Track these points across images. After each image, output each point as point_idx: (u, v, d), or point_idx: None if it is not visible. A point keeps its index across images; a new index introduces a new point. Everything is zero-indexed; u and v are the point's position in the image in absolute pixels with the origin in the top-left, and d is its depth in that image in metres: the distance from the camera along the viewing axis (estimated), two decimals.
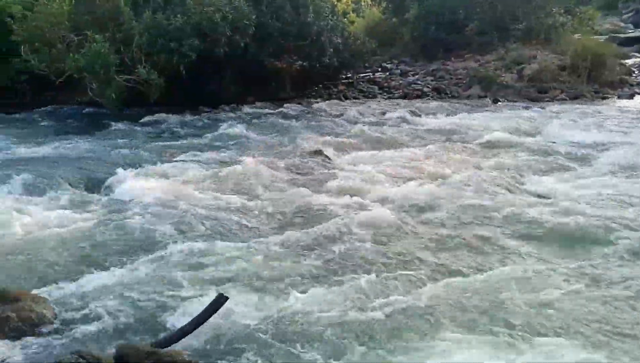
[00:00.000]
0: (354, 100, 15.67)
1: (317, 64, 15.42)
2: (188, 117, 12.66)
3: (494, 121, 11.54)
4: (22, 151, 9.31)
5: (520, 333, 3.56)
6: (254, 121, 12.21)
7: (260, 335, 3.60)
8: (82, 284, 4.16)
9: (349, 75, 18.00)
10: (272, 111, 13.51)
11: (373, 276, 4.38)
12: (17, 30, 12.83)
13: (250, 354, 3.42)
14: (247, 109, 13.96)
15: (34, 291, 4.01)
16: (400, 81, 17.72)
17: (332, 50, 15.07)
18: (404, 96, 15.95)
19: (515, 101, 14.83)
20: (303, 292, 4.13)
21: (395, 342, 3.52)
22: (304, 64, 15.96)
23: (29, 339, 3.54)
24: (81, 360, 2.86)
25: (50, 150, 9.45)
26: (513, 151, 8.99)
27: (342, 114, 12.85)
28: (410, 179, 7.24)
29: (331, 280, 4.36)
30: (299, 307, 3.89)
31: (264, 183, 7.10)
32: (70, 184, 7.12)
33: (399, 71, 19.20)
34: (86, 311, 3.83)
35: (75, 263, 4.67)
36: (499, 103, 14.74)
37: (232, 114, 13.35)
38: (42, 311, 3.72)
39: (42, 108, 14.72)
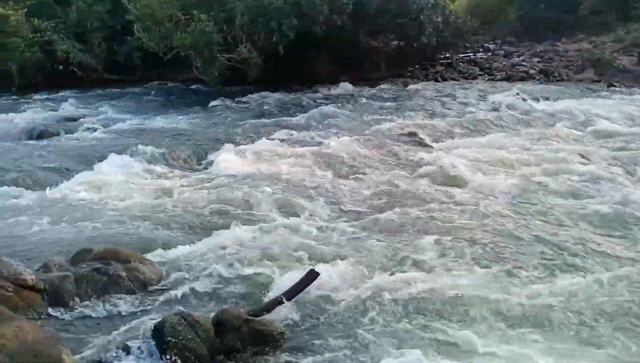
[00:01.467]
0: (453, 81, 15.08)
1: (414, 43, 15.01)
2: (283, 96, 12.89)
3: (608, 108, 10.57)
4: (134, 123, 10.05)
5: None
6: (348, 100, 12.17)
7: (349, 312, 3.59)
8: (186, 250, 4.40)
9: (448, 55, 17.34)
10: (366, 91, 13.38)
11: (468, 265, 4.21)
12: (131, 10, 13.74)
13: (337, 330, 3.43)
14: (341, 88, 13.94)
15: (143, 254, 4.28)
16: (504, 62, 16.77)
17: (431, 29, 14.57)
18: (507, 78, 15.09)
19: (633, 87, 13.49)
20: (392, 275, 4.06)
21: (491, 330, 3.36)
22: (401, 43, 15.60)
23: (137, 297, 3.80)
24: (183, 321, 3.01)
25: (157, 124, 10.09)
26: (627, 141, 8.19)
27: (439, 96, 12.43)
28: (512, 168, 6.84)
29: (422, 266, 4.24)
30: (388, 289, 3.83)
31: (357, 164, 7.06)
32: (174, 157, 7.58)
33: (502, 52, 18.19)
34: (189, 275, 4.04)
35: (180, 229, 4.95)
36: (615, 88, 13.48)
37: (326, 94, 13.40)
38: (149, 272, 3.97)
39: (150, 84, 15.78)
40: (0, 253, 3.82)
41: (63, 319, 3.45)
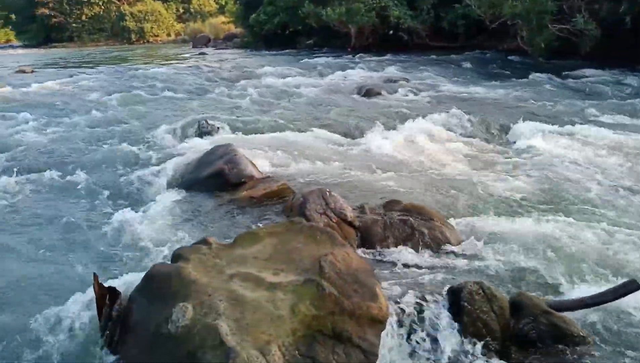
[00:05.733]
0: None
1: None
2: (620, 75, 11.16)
3: None
4: (450, 90, 10.32)
5: None
6: None
7: None
8: (488, 224, 4.29)
9: None
10: None
11: None
12: None
13: None
14: None
15: (447, 218, 4.38)
16: None
17: None
18: None
19: None
20: None
21: None
22: None
23: (434, 255, 3.92)
24: (482, 291, 2.97)
25: (473, 92, 10.07)
26: None
27: None
28: None
29: None
30: None
31: None
32: (485, 128, 7.49)
33: None
34: (485, 249, 3.93)
35: (482, 202, 4.87)
36: None
37: None
38: (449, 235, 4.05)
39: (469, 52, 15.76)
40: (328, 188, 4.42)
41: (371, 257, 3.84)
